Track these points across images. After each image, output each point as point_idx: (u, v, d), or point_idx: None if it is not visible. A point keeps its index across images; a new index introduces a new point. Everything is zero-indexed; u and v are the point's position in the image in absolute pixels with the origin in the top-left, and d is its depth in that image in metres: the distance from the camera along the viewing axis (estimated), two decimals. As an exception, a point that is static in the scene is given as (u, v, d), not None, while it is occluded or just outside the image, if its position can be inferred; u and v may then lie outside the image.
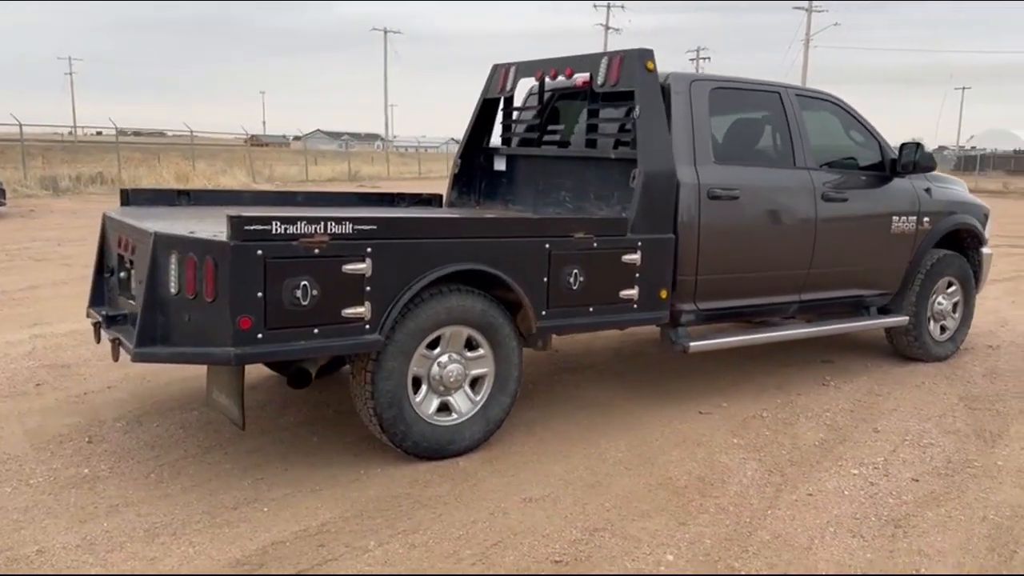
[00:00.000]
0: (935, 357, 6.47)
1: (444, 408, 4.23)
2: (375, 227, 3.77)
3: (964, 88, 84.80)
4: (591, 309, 4.54)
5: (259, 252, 3.50)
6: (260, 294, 3.53)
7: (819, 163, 5.58)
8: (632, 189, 4.81)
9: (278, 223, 3.53)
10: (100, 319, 4.30)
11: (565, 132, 5.73)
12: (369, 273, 3.77)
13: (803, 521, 3.66)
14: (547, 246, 4.33)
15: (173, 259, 3.64)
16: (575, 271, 4.41)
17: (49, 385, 5.25)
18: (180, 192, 5.24)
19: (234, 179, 26.21)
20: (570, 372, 5.92)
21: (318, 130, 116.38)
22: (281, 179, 31.36)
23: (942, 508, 3.84)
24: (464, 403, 4.26)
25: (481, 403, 4.30)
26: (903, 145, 5.92)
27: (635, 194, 4.68)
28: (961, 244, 6.63)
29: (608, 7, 61.30)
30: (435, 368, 4.14)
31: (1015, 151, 66.69)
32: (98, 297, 4.62)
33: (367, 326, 3.82)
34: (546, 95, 5.71)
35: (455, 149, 6.52)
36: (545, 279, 4.34)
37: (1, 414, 4.69)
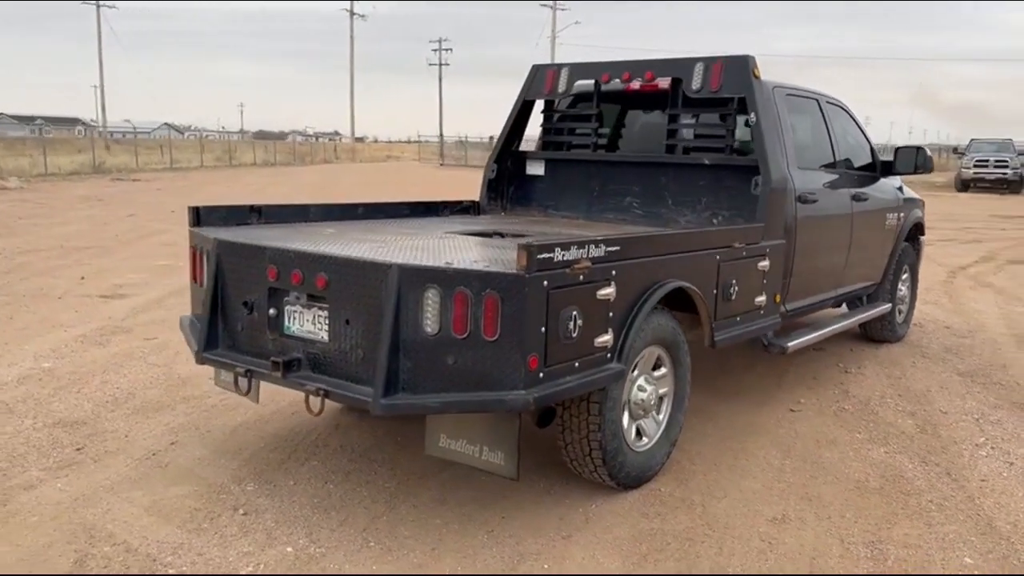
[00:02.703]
0: (898, 338, 7.17)
1: (637, 433, 4.03)
2: (618, 248, 3.51)
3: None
4: (738, 319, 4.53)
5: (545, 283, 3.13)
6: (543, 329, 3.16)
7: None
8: (727, 195, 4.97)
9: (559, 250, 3.18)
10: (258, 367, 3.62)
11: (625, 136, 5.63)
12: (613, 297, 3.51)
13: (1013, 506, 3.93)
14: (717, 257, 4.26)
15: (432, 295, 3.14)
16: (733, 281, 4.38)
17: (93, 448, 4.30)
18: (252, 208, 4.50)
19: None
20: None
21: (3, 114, 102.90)
22: (16, 173, 27.49)
23: (1090, 480, 4.30)
24: (651, 426, 4.09)
25: (664, 424, 4.15)
26: (899, 148, 6.47)
27: (760, 201, 4.73)
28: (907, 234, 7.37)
29: (352, -7, 60.08)
30: (635, 392, 3.94)
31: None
32: (214, 339, 3.86)
33: (609, 355, 3.55)
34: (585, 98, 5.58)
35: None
36: (715, 291, 4.27)
37: (84, 492, 3.78)
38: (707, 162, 5.09)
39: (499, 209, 5.91)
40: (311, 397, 3.41)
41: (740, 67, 4.85)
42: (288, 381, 3.50)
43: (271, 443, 4.43)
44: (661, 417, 4.14)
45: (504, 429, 3.29)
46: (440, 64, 73.89)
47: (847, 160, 6.26)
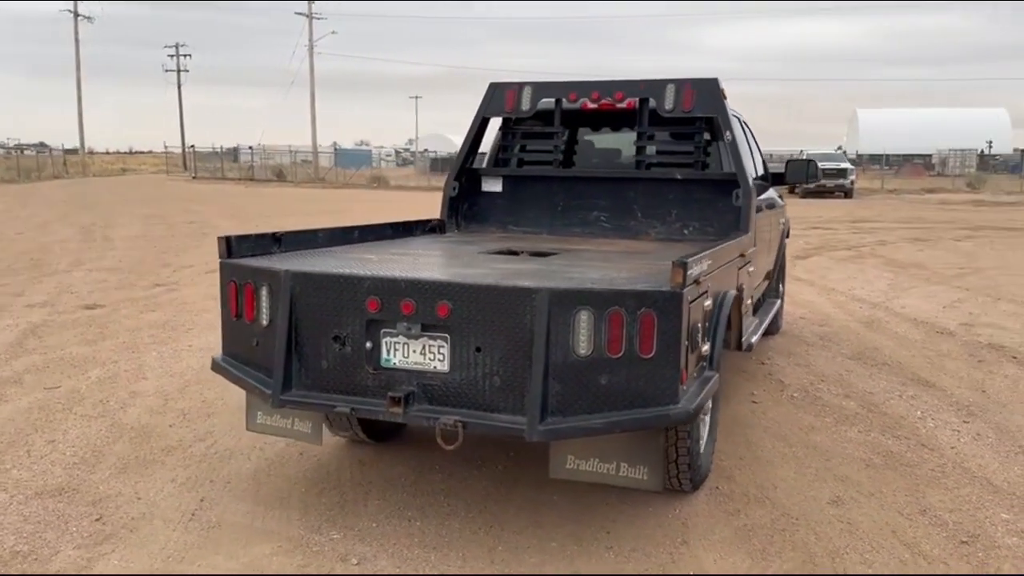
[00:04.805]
0: (779, 329, 7.96)
1: (696, 435, 4.23)
2: (712, 260, 3.70)
3: (417, 97, 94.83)
4: (743, 321, 4.88)
5: (688, 298, 3.26)
6: (686, 343, 3.28)
7: None
8: (698, 209, 5.36)
9: (695, 265, 3.31)
10: (362, 405, 3.40)
11: (589, 153, 5.82)
12: (710, 308, 3.70)
13: (991, 467, 4.56)
14: (738, 267, 4.57)
15: (584, 316, 3.15)
16: (743, 286, 4.72)
17: (115, 517, 3.79)
18: (273, 236, 4.16)
19: None
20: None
21: None
22: None
23: None
24: (702, 427, 4.31)
25: (709, 424, 4.38)
26: (790, 161, 7.18)
27: (743, 212, 5.11)
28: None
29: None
30: (695, 396, 4.13)
31: (450, 153, 77.01)
32: (289, 379, 3.55)
33: (705, 364, 3.73)
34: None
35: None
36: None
37: (154, 566, 3.34)
38: (679, 177, 5.40)
39: (453, 227, 5.86)
40: (441, 431, 3.26)
41: (711, 88, 5.22)
42: (410, 416, 3.33)
43: (310, 487, 4.13)
44: (707, 418, 4.37)
45: (649, 444, 3.36)
46: (178, 70, 69.61)
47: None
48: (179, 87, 70.71)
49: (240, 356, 3.82)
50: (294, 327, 3.55)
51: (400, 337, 3.42)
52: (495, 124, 6.00)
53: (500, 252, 4.59)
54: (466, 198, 5.90)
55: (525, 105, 5.62)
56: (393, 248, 4.67)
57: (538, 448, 4.30)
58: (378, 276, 3.43)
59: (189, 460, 4.46)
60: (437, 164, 57.12)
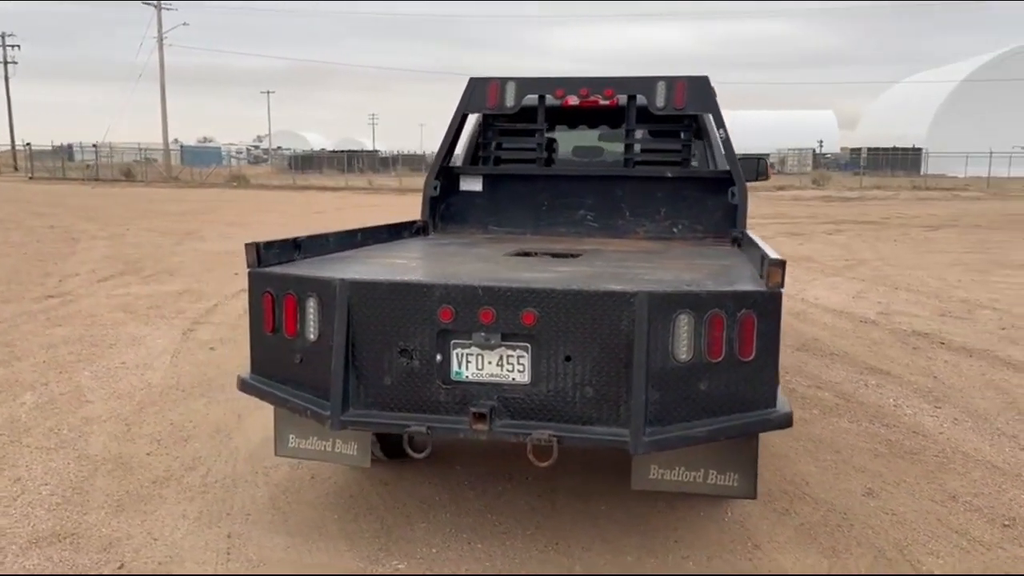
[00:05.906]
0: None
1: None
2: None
3: (270, 92, 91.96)
4: (747, 318, 4.88)
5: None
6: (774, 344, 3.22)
7: None
8: (682, 205, 5.34)
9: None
10: (438, 423, 3.13)
11: (573, 150, 5.68)
12: (767, 307, 3.65)
13: (984, 449, 4.78)
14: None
15: (684, 320, 3.03)
16: (750, 285, 4.73)
17: (137, 564, 3.33)
18: (294, 242, 3.80)
19: None
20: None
21: None
22: None
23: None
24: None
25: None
26: (742, 158, 7.29)
27: (739, 210, 5.13)
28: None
29: None
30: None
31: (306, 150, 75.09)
32: (346, 399, 3.23)
33: (764, 363, 3.68)
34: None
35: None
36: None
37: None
38: (669, 175, 5.36)
39: (431, 228, 5.60)
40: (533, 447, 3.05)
41: (703, 86, 5.19)
42: (495, 433, 3.09)
43: (341, 513, 3.81)
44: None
45: (741, 449, 3.27)
46: (5, 62, 64.13)
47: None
48: (7, 80, 65.30)
49: (277, 375, 3.46)
50: (350, 341, 3.23)
51: (473, 348, 3.18)
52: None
53: (519, 254, 4.40)
54: (443, 198, 5.65)
55: (509, 101, 5.41)
56: (402, 251, 4.39)
57: (563, 455, 4.15)
58: (451, 284, 3.17)
59: (190, 492, 4.02)
60: (296, 162, 55.51)
